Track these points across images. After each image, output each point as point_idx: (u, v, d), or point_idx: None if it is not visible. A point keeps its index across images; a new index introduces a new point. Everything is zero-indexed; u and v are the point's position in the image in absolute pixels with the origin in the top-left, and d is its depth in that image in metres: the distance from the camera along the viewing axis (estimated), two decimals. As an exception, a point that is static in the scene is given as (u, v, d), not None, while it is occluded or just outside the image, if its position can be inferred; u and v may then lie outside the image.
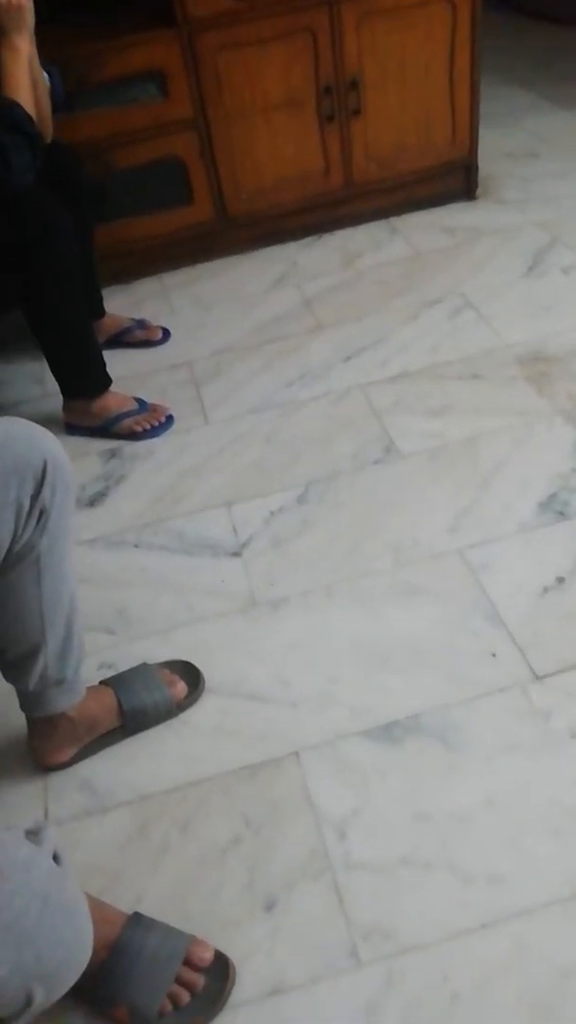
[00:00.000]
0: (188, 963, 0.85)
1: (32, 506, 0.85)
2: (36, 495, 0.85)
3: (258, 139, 1.99)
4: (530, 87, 2.85)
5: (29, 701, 1.02)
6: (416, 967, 0.86)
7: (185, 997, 0.84)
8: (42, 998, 0.66)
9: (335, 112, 1.99)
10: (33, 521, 0.86)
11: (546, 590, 1.21)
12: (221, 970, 0.86)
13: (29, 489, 0.84)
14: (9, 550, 0.86)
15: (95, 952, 0.80)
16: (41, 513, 0.86)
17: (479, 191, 2.25)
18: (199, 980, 0.85)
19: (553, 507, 1.34)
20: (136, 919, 0.87)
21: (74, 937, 0.69)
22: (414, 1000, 0.83)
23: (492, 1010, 0.82)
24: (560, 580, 1.22)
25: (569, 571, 1.23)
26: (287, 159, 2.03)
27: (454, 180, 2.22)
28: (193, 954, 0.86)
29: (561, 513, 1.32)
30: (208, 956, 0.86)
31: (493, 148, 2.40)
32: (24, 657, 0.96)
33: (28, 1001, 0.65)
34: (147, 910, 0.92)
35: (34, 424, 0.88)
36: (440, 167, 2.17)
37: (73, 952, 0.69)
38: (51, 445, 0.87)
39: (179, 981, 0.84)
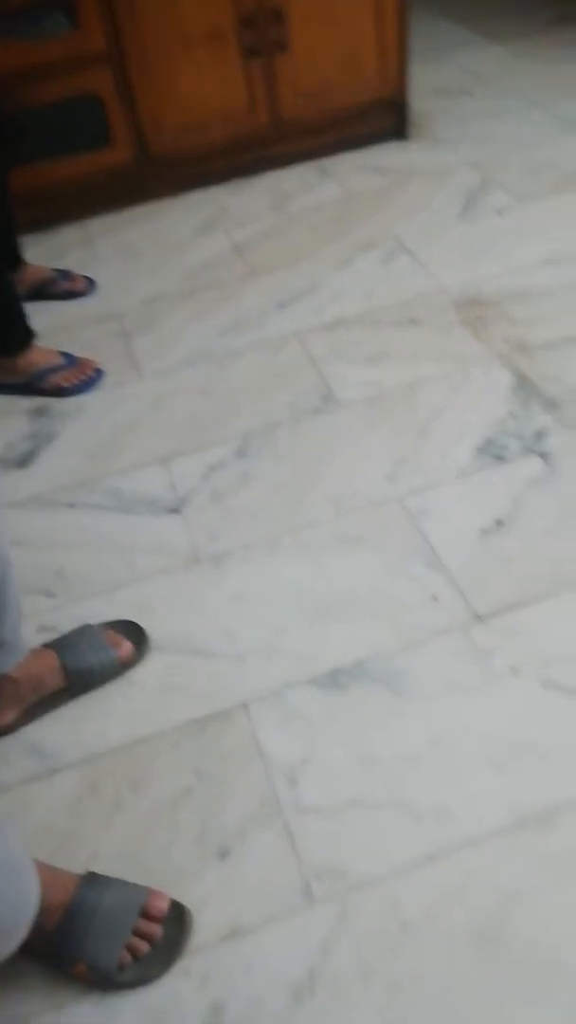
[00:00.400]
0: (145, 915, 0.86)
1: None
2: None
3: (179, 74, 1.89)
4: (462, 21, 2.79)
5: (-33, 667, 0.99)
6: (367, 901, 0.88)
7: (144, 948, 0.85)
8: None
9: (258, 46, 1.90)
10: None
11: (485, 533, 1.23)
12: (178, 918, 0.88)
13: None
14: None
15: (49, 915, 0.81)
16: None
17: (411, 129, 2.21)
18: (157, 930, 0.86)
19: (491, 451, 1.35)
20: (90, 878, 0.87)
21: (18, 896, 0.69)
22: (366, 932, 0.86)
23: (440, 936, 0.85)
24: (499, 523, 1.24)
25: (508, 513, 1.25)
26: (210, 96, 1.95)
27: (385, 118, 2.17)
28: (150, 905, 0.87)
29: (499, 457, 1.34)
30: (164, 906, 0.87)
31: (425, 84, 2.35)
32: (-42, 624, 0.93)
33: None
34: (102, 867, 0.92)
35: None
36: (370, 104, 2.12)
37: (18, 910, 0.69)
38: None
39: (137, 933, 0.85)
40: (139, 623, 1.15)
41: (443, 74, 2.49)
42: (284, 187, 2.08)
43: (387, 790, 0.97)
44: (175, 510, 1.33)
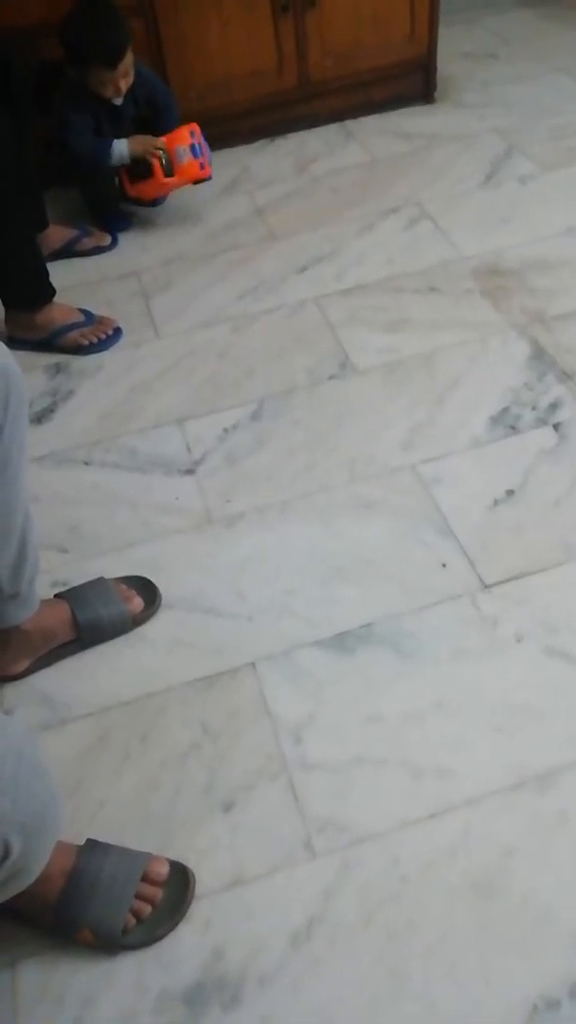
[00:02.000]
0: (146, 880, 0.87)
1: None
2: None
3: (209, 31, 1.86)
4: (492, -19, 2.72)
5: (-18, 616, 1.01)
6: (368, 855, 0.91)
7: (147, 910, 0.86)
8: (18, 850, 0.67)
9: (289, 2, 1.87)
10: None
11: (496, 503, 1.23)
12: (180, 879, 0.89)
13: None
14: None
15: (52, 882, 0.82)
16: None
17: (437, 93, 2.17)
18: (158, 893, 0.87)
19: (505, 421, 1.35)
20: (91, 845, 0.88)
21: (46, 795, 0.70)
22: (366, 884, 0.89)
23: (439, 888, 0.88)
24: (510, 493, 1.24)
25: (519, 484, 1.25)
26: (239, 54, 1.92)
27: (412, 81, 2.13)
28: (150, 871, 0.88)
29: (512, 427, 1.34)
30: (163, 871, 0.88)
31: (452, 47, 2.30)
32: (-24, 573, 0.94)
33: (6, 851, 0.67)
34: (109, 815, 0.95)
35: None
36: (398, 66, 2.08)
37: (46, 807, 0.70)
38: (3, 356, 0.83)
39: (139, 897, 0.86)
40: (152, 580, 1.17)
41: (470, 37, 2.43)
42: (308, 149, 2.05)
43: (390, 749, 0.99)
44: (189, 471, 1.34)
